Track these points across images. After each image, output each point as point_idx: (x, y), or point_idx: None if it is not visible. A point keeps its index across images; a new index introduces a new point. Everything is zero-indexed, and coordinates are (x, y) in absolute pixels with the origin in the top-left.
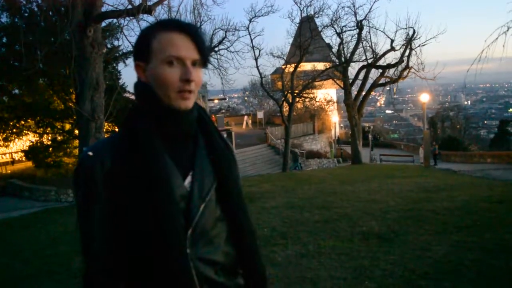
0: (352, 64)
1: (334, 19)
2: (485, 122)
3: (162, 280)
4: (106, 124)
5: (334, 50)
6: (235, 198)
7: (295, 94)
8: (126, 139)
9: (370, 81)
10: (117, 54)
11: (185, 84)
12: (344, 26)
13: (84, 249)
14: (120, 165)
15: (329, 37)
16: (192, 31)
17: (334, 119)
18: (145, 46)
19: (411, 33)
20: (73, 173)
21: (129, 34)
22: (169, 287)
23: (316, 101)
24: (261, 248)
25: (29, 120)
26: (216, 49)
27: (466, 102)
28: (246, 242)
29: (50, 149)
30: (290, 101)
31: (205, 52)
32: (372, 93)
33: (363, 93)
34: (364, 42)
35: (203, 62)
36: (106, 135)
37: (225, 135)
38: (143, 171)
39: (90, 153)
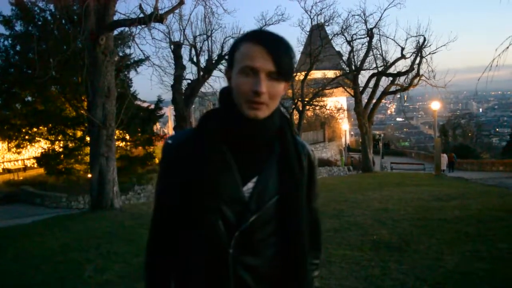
0: (362, 72)
1: (344, 27)
2: (497, 129)
3: (201, 272)
4: (117, 131)
5: (344, 58)
6: (293, 218)
7: (305, 102)
8: (195, 135)
9: (380, 89)
10: (129, 62)
11: (254, 95)
12: (355, 34)
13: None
14: (183, 158)
15: (339, 45)
16: (269, 43)
17: (345, 127)
18: (230, 54)
19: (421, 41)
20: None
21: (140, 43)
22: (207, 281)
23: (326, 109)
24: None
25: (41, 127)
26: (227, 57)
27: (477, 110)
28: (293, 269)
29: (62, 156)
30: (301, 109)
31: (281, 64)
32: (382, 101)
33: (374, 101)
34: (375, 50)
35: (280, 74)
36: (117, 143)
37: None
38: (195, 167)
39: (170, 141)
